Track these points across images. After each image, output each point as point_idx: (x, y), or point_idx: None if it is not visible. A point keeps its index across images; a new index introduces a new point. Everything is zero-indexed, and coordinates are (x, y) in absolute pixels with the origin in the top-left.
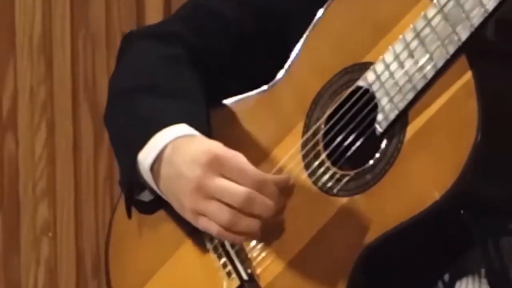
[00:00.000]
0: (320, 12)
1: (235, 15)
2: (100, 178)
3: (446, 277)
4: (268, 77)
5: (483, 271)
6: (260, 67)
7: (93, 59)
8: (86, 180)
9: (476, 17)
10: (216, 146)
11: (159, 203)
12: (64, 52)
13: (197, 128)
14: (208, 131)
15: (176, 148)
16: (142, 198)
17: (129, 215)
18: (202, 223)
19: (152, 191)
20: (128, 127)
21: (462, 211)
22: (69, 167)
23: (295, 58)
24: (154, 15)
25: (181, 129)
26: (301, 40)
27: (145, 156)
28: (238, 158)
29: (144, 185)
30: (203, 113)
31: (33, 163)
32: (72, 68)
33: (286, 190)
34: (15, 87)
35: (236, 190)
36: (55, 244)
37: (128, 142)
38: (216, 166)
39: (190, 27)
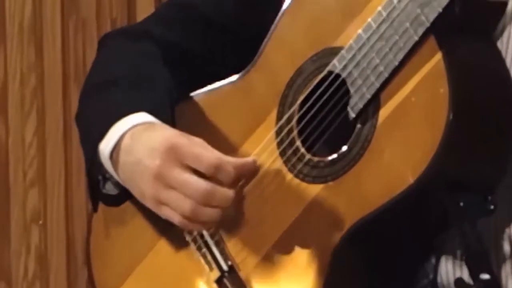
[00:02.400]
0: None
1: (209, 9)
2: None
3: (431, 259)
4: (244, 67)
5: (459, 250)
6: (236, 57)
7: (84, 45)
8: (77, 168)
9: None
10: (173, 134)
11: (125, 196)
12: (54, 38)
13: (158, 116)
14: (170, 120)
15: (135, 136)
16: (107, 191)
17: (95, 208)
18: (164, 212)
19: (115, 183)
20: (91, 120)
21: (437, 192)
22: (59, 155)
23: (265, 44)
24: (145, 1)
25: (140, 117)
26: (272, 26)
27: (105, 145)
28: (194, 144)
29: (106, 178)
30: (166, 103)
31: (23, 150)
32: (63, 55)
33: (247, 171)
34: (5, 73)
35: (194, 185)
36: (45, 231)
37: (91, 133)
38: (173, 154)
39: (162, 23)
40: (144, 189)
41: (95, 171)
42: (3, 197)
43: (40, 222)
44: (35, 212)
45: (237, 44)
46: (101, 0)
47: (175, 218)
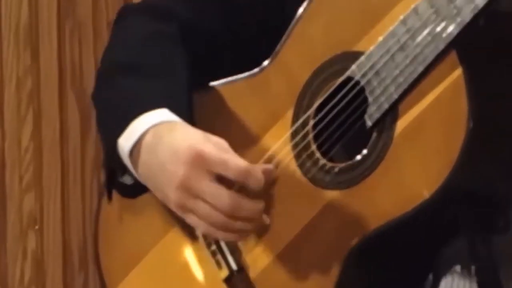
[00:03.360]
0: None
1: None
2: (87, 170)
3: (433, 272)
4: (264, 57)
5: (471, 267)
6: (256, 47)
7: (80, 49)
8: (73, 172)
9: (467, 12)
10: (197, 141)
11: (141, 188)
12: (50, 42)
13: (177, 111)
14: (189, 115)
15: (157, 136)
16: (124, 181)
17: (110, 197)
18: (189, 219)
19: (133, 176)
20: (110, 109)
21: (450, 208)
22: (55, 159)
23: (284, 42)
24: None
25: (160, 115)
26: (291, 25)
27: (125, 140)
28: (220, 150)
29: (125, 169)
30: (185, 95)
31: (20, 154)
32: (59, 58)
33: (271, 178)
34: (1, 77)
35: (222, 196)
36: (41, 236)
37: (109, 125)
38: (199, 162)
39: (186, 5)
40: (169, 194)
41: (112, 162)
42: None
43: (36, 227)
44: (31, 217)
45: (254, 29)
46: (97, 3)
47: (201, 226)
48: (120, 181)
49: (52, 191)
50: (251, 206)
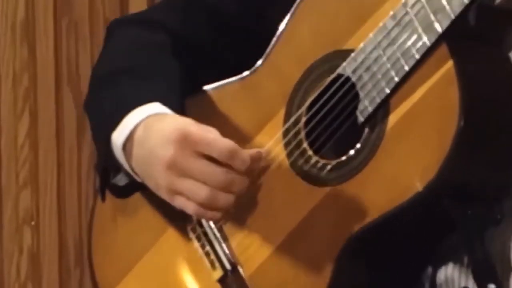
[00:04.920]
0: None
1: (219, 3)
2: (83, 166)
3: (432, 264)
4: (252, 65)
5: (465, 259)
6: (244, 55)
7: (76, 46)
8: (69, 168)
9: (457, 5)
10: (186, 122)
11: (133, 187)
12: (47, 39)
13: (170, 108)
14: (181, 111)
15: (148, 127)
16: (117, 182)
17: (103, 198)
18: (179, 202)
19: (127, 174)
20: (104, 110)
21: (444, 201)
22: (52, 155)
23: (275, 43)
24: (138, 2)
25: (153, 107)
26: (281, 26)
27: (118, 135)
28: (207, 131)
29: (119, 168)
30: (177, 95)
31: (16, 151)
32: (55, 55)
33: (258, 160)
34: None
35: (210, 171)
36: (37, 232)
37: (103, 123)
38: (186, 142)
39: (173, 15)
40: (158, 179)
41: (106, 160)
42: None
43: (33, 223)
44: (27, 213)
45: (242, 37)
46: (94, 1)
47: (190, 207)
48: (113, 182)
49: (48, 188)
50: (238, 178)
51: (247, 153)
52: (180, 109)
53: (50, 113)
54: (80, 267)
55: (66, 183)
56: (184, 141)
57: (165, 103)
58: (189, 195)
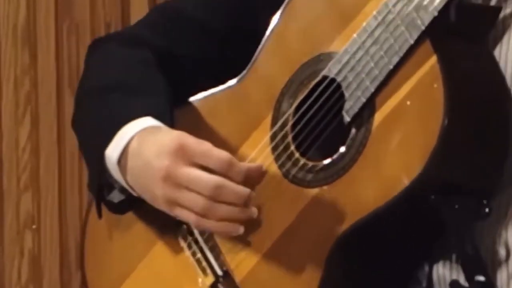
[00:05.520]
0: (285, 3)
1: (201, 15)
2: (84, 170)
3: (428, 262)
4: (239, 74)
5: (455, 254)
6: (230, 64)
7: (78, 49)
8: (70, 172)
9: (438, 1)
10: (181, 134)
11: (129, 204)
12: (48, 43)
13: (162, 122)
14: (172, 126)
15: (142, 139)
16: (111, 199)
17: (100, 215)
18: (178, 213)
19: (122, 190)
20: (95, 126)
21: (432, 196)
22: (53, 159)
23: (260, 50)
24: (139, 5)
25: (147, 121)
26: (267, 33)
27: (112, 150)
28: (203, 143)
29: (113, 185)
30: (168, 109)
31: (17, 154)
32: (57, 58)
33: (255, 174)
34: None
35: (204, 180)
36: (39, 236)
37: (95, 139)
38: (182, 153)
39: (155, 31)
40: (155, 191)
41: (100, 177)
42: None
43: (34, 226)
44: (28, 217)
45: (229, 49)
46: (95, 4)
47: (190, 217)
48: (108, 199)
49: (49, 191)
50: (233, 188)
51: (241, 164)
52: (171, 123)
53: (52, 116)
54: (81, 270)
55: (67, 186)
56: (180, 152)
57: (157, 117)
58: (187, 205)
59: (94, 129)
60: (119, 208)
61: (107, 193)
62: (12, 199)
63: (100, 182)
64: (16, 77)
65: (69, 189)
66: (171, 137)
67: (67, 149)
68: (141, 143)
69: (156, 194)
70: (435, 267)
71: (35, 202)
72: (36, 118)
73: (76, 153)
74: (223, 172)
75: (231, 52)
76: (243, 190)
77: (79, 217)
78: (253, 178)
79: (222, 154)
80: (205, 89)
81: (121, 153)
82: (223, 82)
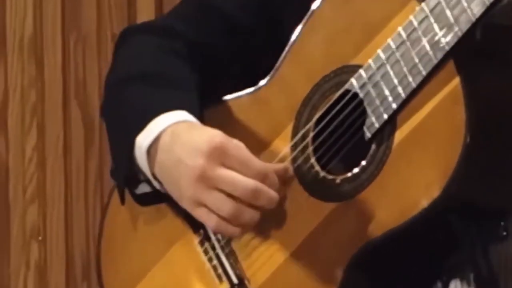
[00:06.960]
0: (310, 12)
1: (234, 11)
2: (90, 181)
3: (441, 280)
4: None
5: (471, 276)
6: (260, 63)
7: (84, 61)
8: (76, 183)
9: (464, 22)
10: (218, 134)
11: (154, 197)
12: (55, 54)
13: (195, 117)
14: (202, 123)
15: (176, 134)
16: (137, 191)
17: (123, 201)
18: (200, 213)
19: (148, 182)
20: (126, 114)
21: (450, 217)
22: (59, 170)
23: (284, 58)
24: (145, 17)
25: (181, 115)
26: (291, 40)
27: (143, 139)
28: (241, 147)
29: (139, 178)
30: (199, 106)
31: (23, 166)
32: (63, 70)
33: (285, 179)
34: (6, 88)
35: (244, 182)
36: (45, 247)
37: (127, 126)
38: (218, 155)
39: (188, 23)
40: (183, 188)
41: (128, 162)
42: (3, 213)
43: (40, 238)
44: (34, 228)
45: (257, 47)
46: (101, 15)
47: (212, 220)
48: (133, 191)
49: (55, 202)
50: (269, 193)
51: (275, 172)
52: (202, 121)
53: (58, 128)
54: (87, 282)
55: (73, 197)
56: (217, 153)
57: (191, 112)
58: (213, 208)
59: (127, 115)
60: (142, 200)
61: (133, 186)
62: (18, 210)
63: (127, 168)
64: (22, 89)
65: (75, 200)
66: (207, 136)
67: (73, 160)
68: (175, 138)
69: (184, 191)
70: (452, 285)
71: (41, 213)
72: (43, 129)
73: (82, 164)
74: (259, 181)
75: (262, 49)
76: (276, 195)
77: (85, 228)
78: (283, 183)
79: (259, 165)
80: (233, 85)
81: (152, 142)
82: (253, 80)
